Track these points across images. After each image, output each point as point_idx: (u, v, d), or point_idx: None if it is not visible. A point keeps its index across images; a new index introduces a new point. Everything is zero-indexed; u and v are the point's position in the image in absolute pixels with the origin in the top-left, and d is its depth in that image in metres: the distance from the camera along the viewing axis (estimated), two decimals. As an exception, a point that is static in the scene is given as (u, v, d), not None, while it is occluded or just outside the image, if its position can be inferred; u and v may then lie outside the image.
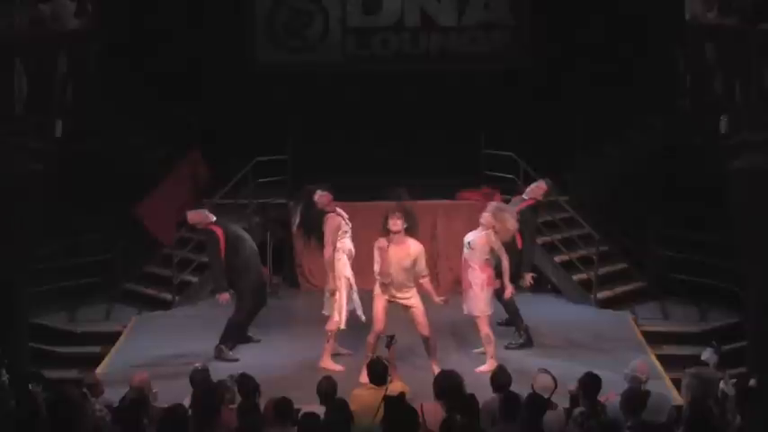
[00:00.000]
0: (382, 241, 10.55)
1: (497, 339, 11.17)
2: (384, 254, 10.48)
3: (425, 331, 10.67)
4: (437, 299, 10.72)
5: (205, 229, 11.57)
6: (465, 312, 10.96)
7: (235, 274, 11.54)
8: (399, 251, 10.50)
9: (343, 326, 10.97)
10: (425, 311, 10.66)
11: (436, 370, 9.94)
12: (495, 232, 10.84)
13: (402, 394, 8.11)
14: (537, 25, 15.61)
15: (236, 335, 11.67)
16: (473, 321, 11.04)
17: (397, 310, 10.71)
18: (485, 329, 10.85)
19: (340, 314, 10.93)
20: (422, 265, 10.59)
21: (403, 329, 10.65)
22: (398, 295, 10.60)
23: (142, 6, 14.86)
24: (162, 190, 14.53)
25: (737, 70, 12.12)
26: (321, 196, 11.03)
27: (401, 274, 10.52)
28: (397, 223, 10.45)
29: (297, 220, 11.50)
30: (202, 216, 11.60)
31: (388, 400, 7.89)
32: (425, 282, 10.70)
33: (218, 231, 11.49)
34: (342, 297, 10.92)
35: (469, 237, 10.94)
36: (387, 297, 10.59)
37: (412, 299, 10.61)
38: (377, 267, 10.57)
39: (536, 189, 12.17)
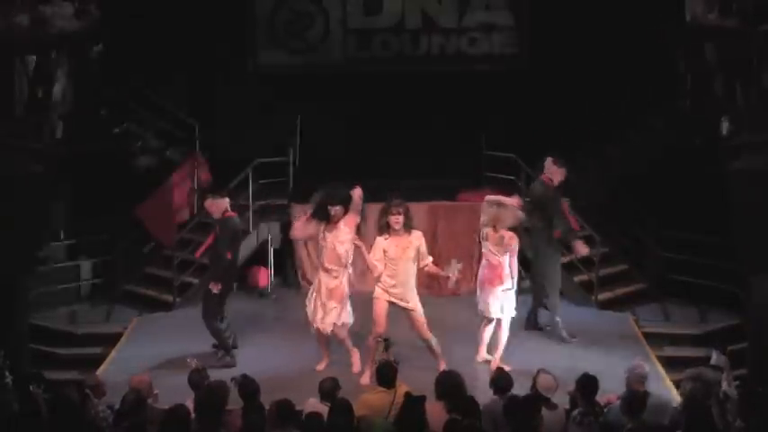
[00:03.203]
0: (380, 240, 10.50)
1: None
2: (383, 251, 10.42)
3: (425, 335, 10.63)
4: (443, 274, 10.61)
5: (224, 217, 11.29)
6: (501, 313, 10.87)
7: (221, 265, 11.41)
8: (401, 243, 10.43)
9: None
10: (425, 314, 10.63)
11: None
12: (495, 225, 10.81)
13: (423, 396, 8.02)
14: (537, 26, 15.62)
15: (222, 335, 11.43)
16: (474, 322, 11.08)
17: (396, 312, 10.67)
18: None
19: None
20: (424, 250, 10.49)
21: (404, 330, 10.64)
22: (401, 301, 10.53)
23: (142, 7, 14.85)
24: (163, 191, 14.55)
25: (738, 72, 12.10)
26: (336, 210, 10.78)
27: (405, 269, 10.44)
28: (398, 220, 10.42)
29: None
30: (222, 204, 11.29)
31: (408, 400, 7.82)
32: (430, 267, 10.59)
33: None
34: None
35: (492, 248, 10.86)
36: (387, 299, 10.53)
37: (411, 302, 10.56)
38: (378, 266, 10.43)
39: (548, 167, 12.03)
